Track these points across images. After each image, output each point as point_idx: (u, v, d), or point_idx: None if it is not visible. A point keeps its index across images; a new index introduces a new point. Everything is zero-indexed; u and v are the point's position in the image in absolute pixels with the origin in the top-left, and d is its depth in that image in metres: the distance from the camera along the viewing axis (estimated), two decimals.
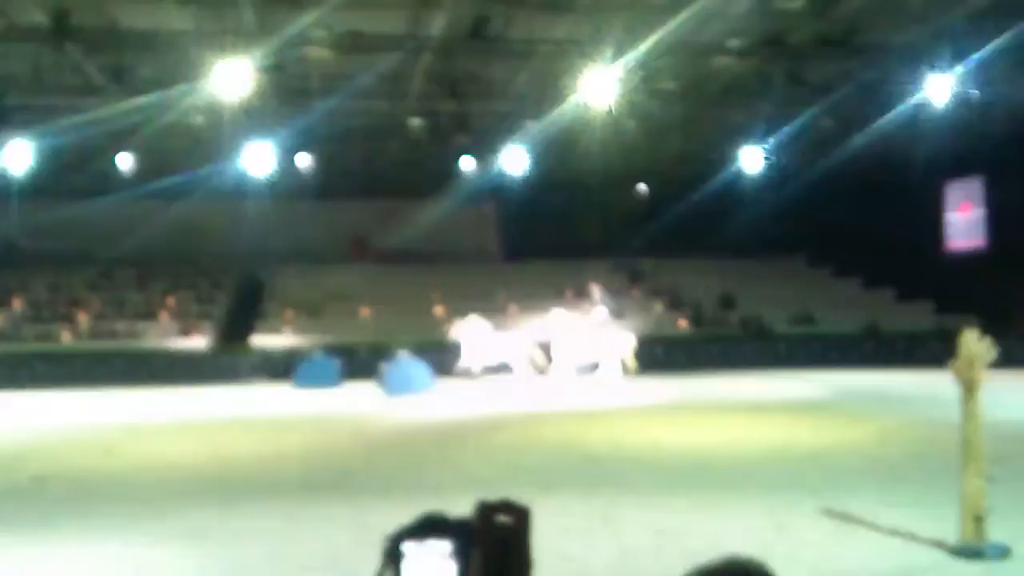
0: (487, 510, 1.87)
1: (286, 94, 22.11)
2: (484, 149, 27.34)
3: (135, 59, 19.81)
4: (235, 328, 29.13)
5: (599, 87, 20.79)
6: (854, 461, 11.73)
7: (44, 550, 8.13)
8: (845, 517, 8.41)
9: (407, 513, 6.78)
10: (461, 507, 1.95)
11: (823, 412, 17.17)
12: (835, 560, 7.19)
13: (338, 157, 28.68)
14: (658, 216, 31.69)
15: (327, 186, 30.32)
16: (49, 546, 8.22)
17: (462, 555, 1.84)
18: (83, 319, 28.81)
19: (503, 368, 24.32)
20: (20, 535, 8.65)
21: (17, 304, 29.60)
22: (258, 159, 25.72)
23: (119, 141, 25.73)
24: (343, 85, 21.56)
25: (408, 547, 1.84)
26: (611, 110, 21.79)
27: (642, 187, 35.63)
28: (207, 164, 27.44)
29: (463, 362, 24.52)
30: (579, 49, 20.53)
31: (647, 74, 21.10)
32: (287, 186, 28.68)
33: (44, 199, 29.38)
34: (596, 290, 28.64)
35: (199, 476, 11.71)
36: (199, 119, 22.89)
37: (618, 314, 28.12)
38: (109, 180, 27.71)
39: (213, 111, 21.74)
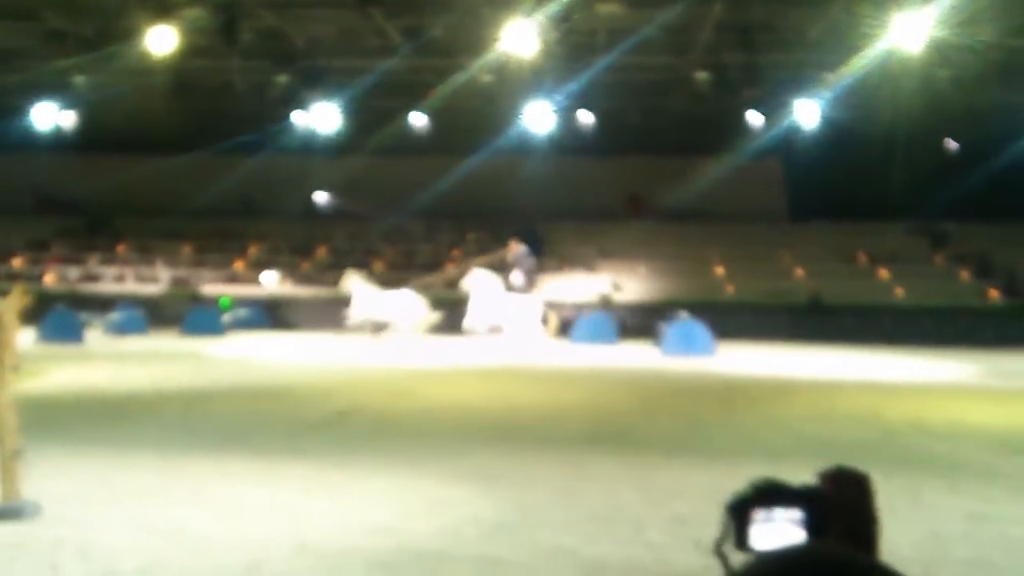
0: (838, 478, 1.82)
1: (570, 51, 22.20)
2: (772, 103, 26.26)
3: (433, 21, 20.57)
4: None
5: (906, 34, 19.30)
6: None
7: (349, 476, 8.71)
8: None
9: (693, 476, 6.61)
10: (749, 473, 1.87)
11: None
12: None
13: (617, 113, 28.58)
14: (967, 175, 29.12)
15: (605, 143, 30.33)
16: (354, 475, 8.79)
17: (811, 523, 1.76)
18: (378, 267, 30.72)
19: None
20: (329, 462, 9.32)
21: (321, 252, 32.03)
22: (540, 116, 26.13)
23: (414, 100, 26.97)
24: (626, 40, 21.35)
25: (758, 514, 1.75)
26: (920, 59, 20.16)
27: (951, 143, 32.87)
28: (494, 121, 28.22)
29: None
30: None
31: (963, 18, 19.30)
32: (567, 143, 28.97)
33: (345, 155, 31.45)
34: (516, 250, 25.51)
35: (486, 421, 12.13)
36: (488, 78, 23.49)
37: (532, 279, 25.68)
38: (405, 137, 29.17)
39: (502, 70, 22.23)
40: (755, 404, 14.19)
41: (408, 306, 21.81)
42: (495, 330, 21.98)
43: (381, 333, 22.05)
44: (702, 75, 23.35)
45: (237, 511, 7.48)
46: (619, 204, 33.68)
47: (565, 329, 24.25)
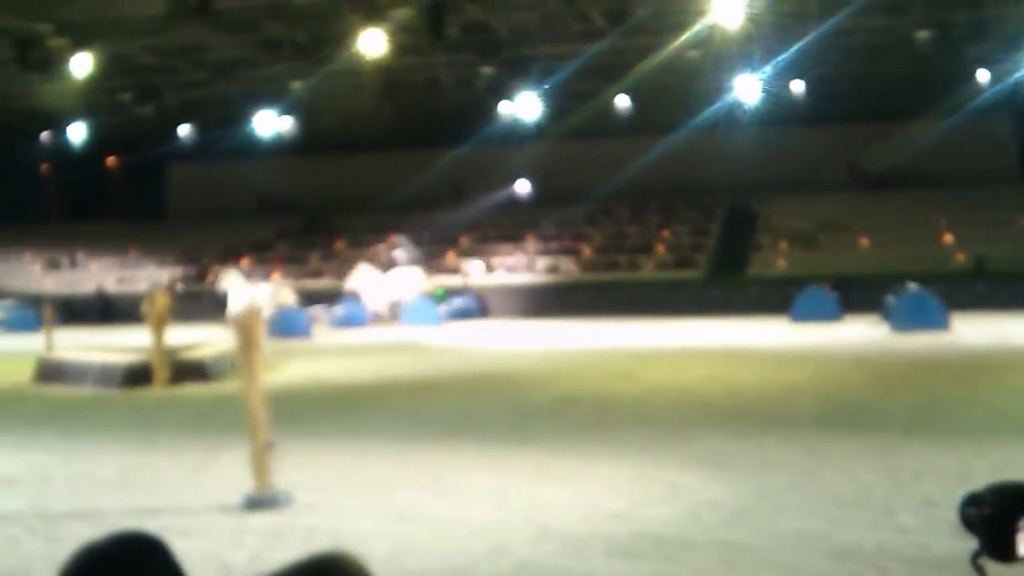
0: None
1: (781, 20, 21.32)
2: (1000, 59, 24.32)
3: (636, 0, 20.27)
4: (728, 259, 29.23)
5: None
6: None
7: (580, 462, 8.68)
8: None
9: (940, 456, 6.09)
10: (999, 452, 1.61)
11: None
12: None
13: (831, 80, 27.25)
14: None
15: (818, 111, 29.01)
16: (584, 460, 8.76)
17: None
18: (586, 252, 30.75)
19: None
20: (558, 448, 9.34)
21: (530, 239, 32.40)
22: (749, 88, 25.35)
23: (615, 82, 26.74)
24: (841, 4, 20.26)
25: None
26: None
27: None
28: (699, 97, 27.60)
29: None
30: None
31: None
32: (777, 113, 27.96)
33: (548, 141, 31.62)
34: (398, 239, 29.14)
35: (712, 404, 11.85)
36: (693, 53, 22.95)
37: (414, 259, 28.62)
38: (607, 119, 29.00)
39: (707, 44, 21.65)
40: (999, 379, 13.21)
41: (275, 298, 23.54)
42: (394, 305, 25.15)
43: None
44: (923, 34, 21.86)
45: (475, 498, 7.60)
46: (835, 173, 32.20)
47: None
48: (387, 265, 29.31)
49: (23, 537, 6.75)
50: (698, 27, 20.23)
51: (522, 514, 7.08)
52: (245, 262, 33.20)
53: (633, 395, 12.78)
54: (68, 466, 9.29)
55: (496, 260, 31.19)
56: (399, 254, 27.53)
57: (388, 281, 25.73)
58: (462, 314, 27.09)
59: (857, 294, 23.96)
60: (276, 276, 31.32)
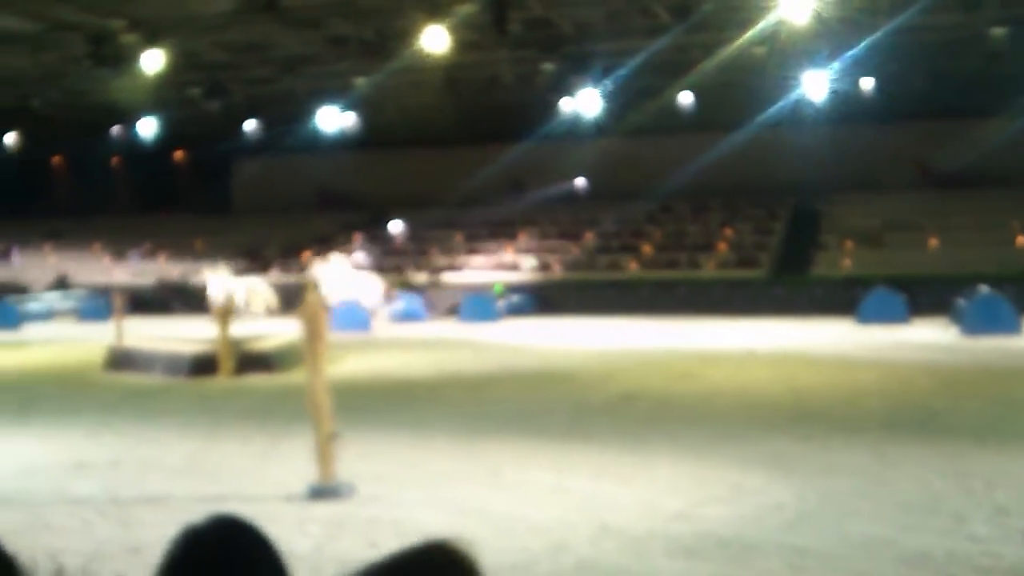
0: None
1: (850, 16, 20.95)
2: None
3: None
4: (792, 259, 28.82)
5: None
6: None
7: (639, 461, 8.63)
8: None
9: (1014, 464, 5.93)
10: None
11: None
12: None
13: (901, 78, 26.72)
14: None
15: (887, 109, 28.45)
16: (644, 459, 8.70)
17: None
18: (646, 250, 30.57)
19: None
20: (617, 446, 9.30)
21: (589, 237, 32.30)
22: (816, 85, 24.97)
23: (678, 78, 26.53)
24: (912, 0, 19.82)
25: None
26: None
27: None
28: (764, 94, 27.26)
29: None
30: None
31: None
32: (844, 111, 27.50)
33: (609, 137, 31.46)
34: (357, 241, 28.81)
35: (774, 405, 11.69)
36: (759, 49, 22.66)
37: (370, 262, 28.38)
38: (669, 116, 28.78)
39: (774, 40, 21.36)
40: None
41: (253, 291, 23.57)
42: (367, 304, 24.70)
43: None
44: (997, 31, 21.33)
45: (534, 494, 7.60)
46: (904, 172, 31.55)
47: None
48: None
49: (96, 521, 6.91)
50: (764, 23, 19.95)
51: (582, 512, 7.06)
52: (307, 256, 33.55)
53: (694, 395, 12.66)
54: (138, 452, 9.49)
55: (554, 257, 31.15)
56: (358, 256, 27.41)
57: (351, 281, 25.36)
58: (520, 310, 27.10)
59: (925, 296, 23.44)
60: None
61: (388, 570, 1.37)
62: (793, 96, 26.26)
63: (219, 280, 25.15)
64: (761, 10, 19.35)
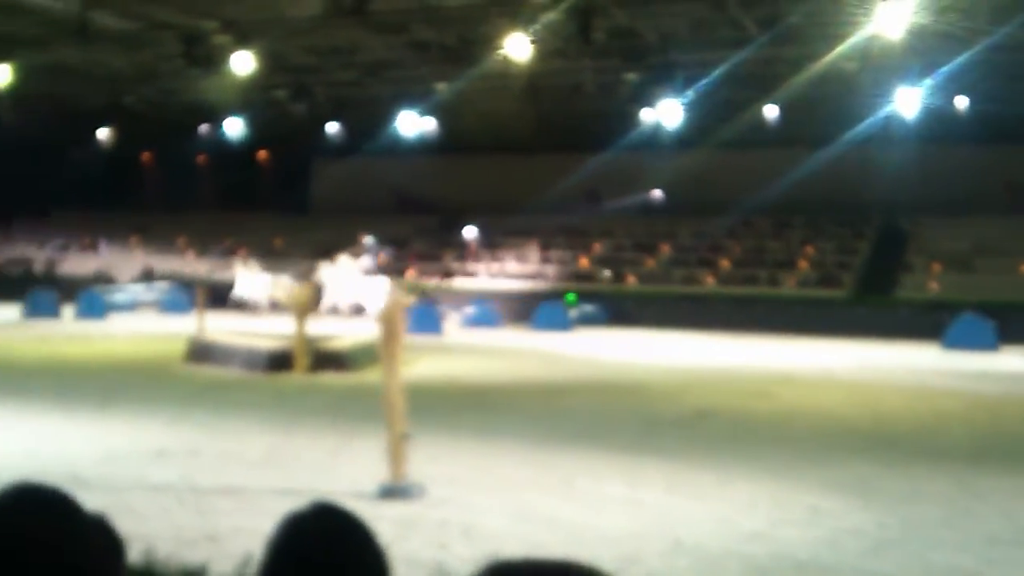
0: None
1: (946, 32, 20.40)
2: None
3: (790, 8, 19.73)
4: (876, 280, 28.13)
5: None
6: None
7: (714, 478, 8.47)
8: None
9: None
10: None
11: None
12: None
13: (997, 97, 25.91)
14: None
15: (981, 129, 27.60)
16: (719, 476, 8.54)
17: None
18: (724, 265, 30.15)
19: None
20: (691, 462, 9.14)
21: (665, 249, 32.00)
22: (908, 103, 24.38)
23: (764, 91, 26.15)
24: (1011, 17, 19.20)
25: None
26: None
27: None
28: (853, 110, 26.70)
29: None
30: None
31: None
32: (937, 130, 26.76)
33: (689, 150, 31.11)
34: (365, 241, 28.22)
35: (854, 429, 11.39)
36: (849, 64, 22.20)
37: (379, 264, 27.65)
38: (753, 130, 28.38)
39: (866, 55, 20.90)
40: None
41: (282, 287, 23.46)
42: (356, 309, 23.27)
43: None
44: None
45: (606, 505, 7.50)
46: (996, 196, 30.53)
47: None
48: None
49: (174, 507, 7.02)
50: (856, 37, 19.54)
51: (655, 525, 6.94)
52: (381, 259, 33.85)
53: (770, 414, 12.41)
54: (216, 443, 9.64)
55: (628, 268, 30.94)
56: (365, 259, 26.83)
57: (357, 283, 25.44)
58: (593, 320, 26.94)
59: (1016, 324, 22.64)
60: (411, 272, 31.93)
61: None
62: (884, 113, 25.69)
63: (248, 276, 25.81)
64: (853, 24, 18.95)
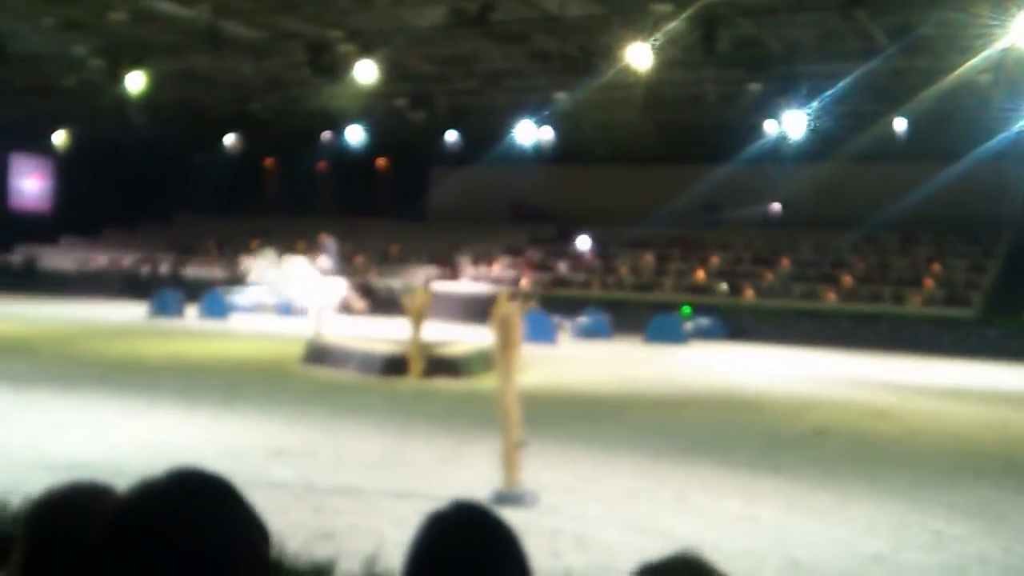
0: None
1: None
2: None
3: (923, 18, 19.07)
4: (1006, 299, 26.93)
5: None
6: None
7: (834, 498, 8.22)
8: None
9: None
10: None
11: None
12: None
13: None
14: None
15: None
16: (838, 497, 8.29)
17: None
18: (847, 281, 29.32)
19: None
20: (809, 481, 8.90)
21: (785, 263, 31.31)
22: None
23: (891, 104, 25.37)
24: None
25: None
26: None
27: None
28: (985, 124, 25.66)
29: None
30: None
31: None
32: None
33: (813, 162, 30.39)
34: (326, 242, 26.25)
35: (983, 452, 10.93)
36: (984, 77, 21.34)
37: (337, 264, 26.03)
38: (881, 143, 27.55)
39: (1002, 68, 20.06)
40: None
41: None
42: (312, 308, 23.20)
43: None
44: None
45: (721, 521, 7.37)
46: None
47: None
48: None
49: (291, 505, 7.19)
50: (991, 49, 18.77)
51: (772, 544, 6.78)
52: (497, 266, 34.06)
53: (893, 434, 11.99)
54: (333, 443, 9.85)
55: (746, 281, 30.37)
56: (323, 260, 25.56)
57: (313, 284, 23.73)
58: (709, 334, 26.54)
59: None
60: (525, 280, 32.05)
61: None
62: (1017, 128, 24.63)
63: (266, 270, 25.81)
64: (987, 35, 18.20)
